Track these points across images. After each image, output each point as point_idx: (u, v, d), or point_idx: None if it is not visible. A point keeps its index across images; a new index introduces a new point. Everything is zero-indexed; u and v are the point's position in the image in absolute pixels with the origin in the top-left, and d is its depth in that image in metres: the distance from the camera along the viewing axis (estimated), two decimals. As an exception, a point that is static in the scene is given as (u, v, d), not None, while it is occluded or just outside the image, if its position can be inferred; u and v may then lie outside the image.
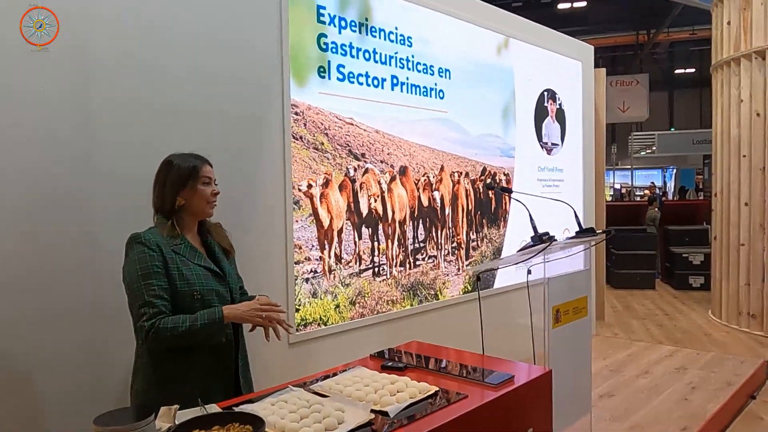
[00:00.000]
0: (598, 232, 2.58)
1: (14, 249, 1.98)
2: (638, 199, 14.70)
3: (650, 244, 8.13)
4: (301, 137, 2.88)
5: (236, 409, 1.57)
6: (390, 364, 2.04)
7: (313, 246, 2.94)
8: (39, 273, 2.03)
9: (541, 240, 2.24)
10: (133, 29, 2.25)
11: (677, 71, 20.23)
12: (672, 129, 19.33)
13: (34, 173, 2.02)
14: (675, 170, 19.20)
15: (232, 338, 1.88)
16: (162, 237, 1.77)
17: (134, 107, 2.25)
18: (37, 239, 2.03)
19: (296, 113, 2.86)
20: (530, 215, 2.31)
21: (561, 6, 14.39)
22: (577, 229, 2.59)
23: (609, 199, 14.05)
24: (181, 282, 1.75)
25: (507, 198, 4.24)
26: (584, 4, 14.33)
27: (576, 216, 2.60)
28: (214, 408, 1.56)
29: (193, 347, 1.75)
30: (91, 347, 2.14)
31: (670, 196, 16.05)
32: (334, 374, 1.96)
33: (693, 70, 19.59)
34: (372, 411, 1.59)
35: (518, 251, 2.42)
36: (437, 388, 1.77)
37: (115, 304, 1.92)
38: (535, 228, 2.30)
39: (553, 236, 2.29)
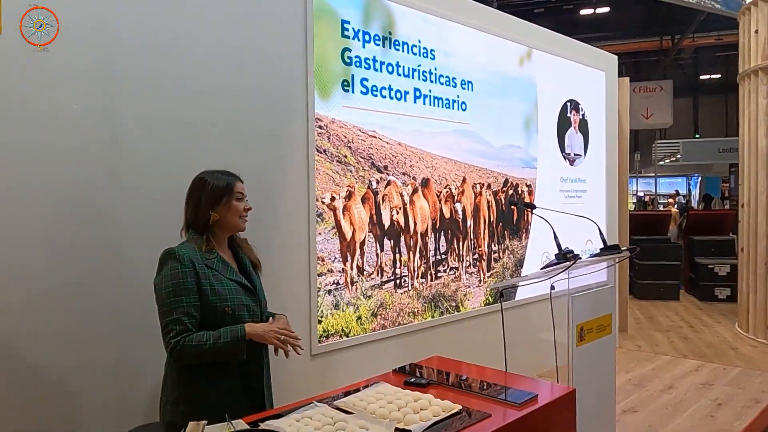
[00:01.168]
0: (622, 249, 2.56)
1: (46, 264, 2.03)
2: (662, 207, 14.47)
3: (674, 255, 8.00)
4: (324, 150, 2.91)
5: (262, 426, 1.59)
6: (413, 380, 2.05)
7: (335, 258, 2.96)
8: (71, 288, 2.08)
9: (566, 258, 2.23)
10: (160, 47, 2.30)
11: (702, 77, 19.92)
12: (697, 136, 19.02)
13: (64, 191, 2.07)
14: (700, 178, 18.88)
15: (261, 354, 1.92)
16: (195, 251, 1.82)
17: (161, 123, 2.30)
18: (69, 255, 2.08)
19: (320, 127, 2.89)
20: (554, 233, 2.30)
21: (583, 12, 14.29)
22: (601, 245, 2.56)
23: (632, 207, 13.87)
24: (213, 297, 1.80)
25: (528, 210, 4.22)
26: (607, 9, 14.22)
27: (600, 233, 2.58)
28: (241, 424, 1.58)
29: (221, 362, 1.79)
30: (121, 361, 2.18)
31: (694, 205, 15.77)
32: (357, 390, 1.97)
33: (719, 75, 19.27)
34: (396, 429, 1.60)
35: (542, 268, 2.41)
36: (460, 407, 1.78)
37: (145, 319, 1.96)
38: (559, 245, 2.29)
39: (577, 255, 2.28)
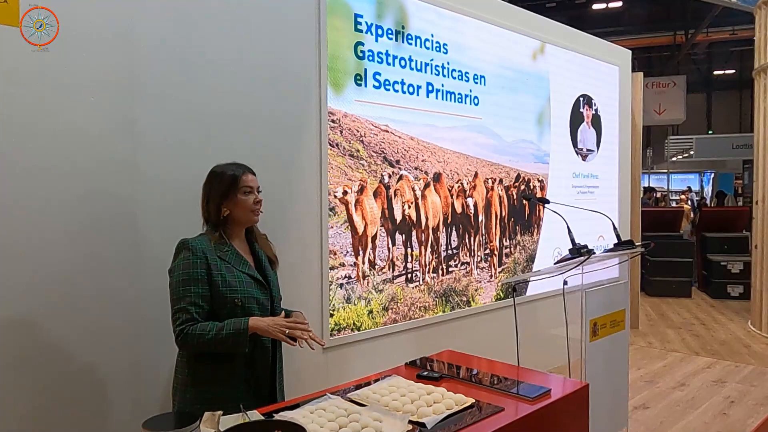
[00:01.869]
0: (636, 244, 2.55)
1: (67, 266, 2.05)
2: (674, 204, 14.34)
3: (686, 252, 7.94)
4: (337, 144, 2.92)
5: (276, 417, 1.61)
6: (425, 373, 2.05)
7: (347, 252, 2.97)
8: (92, 289, 2.09)
9: (579, 253, 2.23)
10: (177, 38, 2.31)
11: (716, 72, 19.69)
12: (710, 132, 18.82)
13: (83, 190, 2.08)
14: (713, 174, 18.69)
15: (269, 346, 1.93)
16: (209, 243, 1.85)
17: (177, 116, 2.31)
18: (89, 256, 2.09)
19: (333, 121, 2.90)
20: (568, 227, 2.29)
21: (596, 6, 14.17)
22: (615, 240, 2.55)
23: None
24: (224, 288, 1.82)
25: (540, 205, 4.20)
26: (620, 4, 14.09)
27: (614, 228, 2.56)
28: (255, 415, 1.59)
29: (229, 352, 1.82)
30: (140, 357, 2.21)
31: (708, 201, 15.62)
32: (370, 383, 1.98)
33: (733, 71, 19.04)
34: (409, 422, 1.60)
35: (555, 263, 2.40)
36: (473, 400, 1.78)
37: (165, 317, 1.98)
38: (573, 240, 2.28)
39: (592, 249, 2.27)
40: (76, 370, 2.08)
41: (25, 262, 1.95)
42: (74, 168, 2.06)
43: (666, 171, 16.90)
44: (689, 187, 16.99)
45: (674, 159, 16.90)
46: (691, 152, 16.16)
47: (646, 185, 14.38)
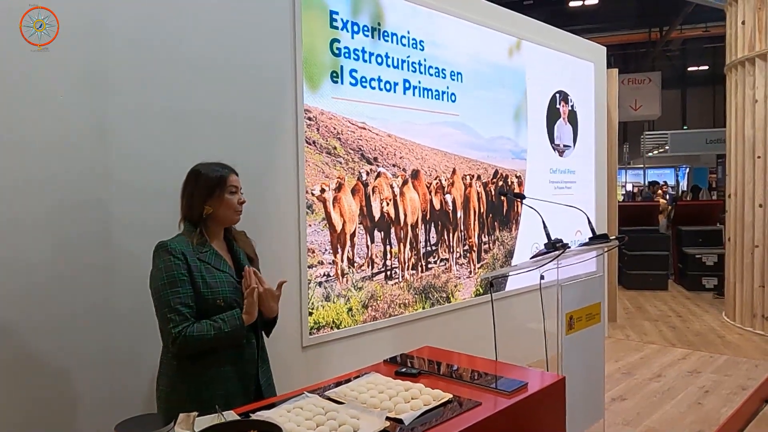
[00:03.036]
0: (611, 238, 2.58)
1: (39, 256, 2.02)
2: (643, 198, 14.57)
3: (663, 245, 8.08)
4: (314, 142, 2.90)
5: (253, 416, 1.59)
6: (404, 370, 2.05)
7: (326, 250, 2.96)
8: (62, 279, 2.07)
9: (555, 247, 2.25)
10: (147, 37, 2.27)
11: (690, 69, 20.03)
12: (685, 128, 19.15)
13: (56, 182, 2.05)
14: (688, 169, 19.04)
15: (255, 342, 1.94)
16: (188, 244, 1.83)
17: (148, 115, 2.28)
18: (61, 247, 2.06)
19: (309, 118, 2.88)
20: (544, 223, 2.31)
21: (572, 4, 14.30)
22: (590, 234, 2.58)
23: (621, 199, 13.95)
24: (205, 289, 1.81)
25: (518, 201, 4.23)
26: (595, 1, 14.23)
27: (589, 222, 2.59)
28: (231, 415, 1.58)
29: (217, 351, 1.82)
30: (116, 351, 2.18)
31: (681, 195, 15.90)
32: (349, 380, 1.98)
33: (706, 67, 19.38)
34: (387, 418, 1.60)
35: (531, 258, 2.42)
36: (451, 396, 1.78)
37: (137, 309, 1.96)
38: (548, 235, 2.30)
39: (567, 244, 2.29)
40: (52, 379, 2.04)
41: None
42: (54, 159, 2.04)
43: (642, 166, 17.17)
44: (665, 182, 17.27)
45: (650, 154, 17.18)
46: (667, 147, 16.45)
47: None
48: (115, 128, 2.19)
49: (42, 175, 2.03)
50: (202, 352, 1.79)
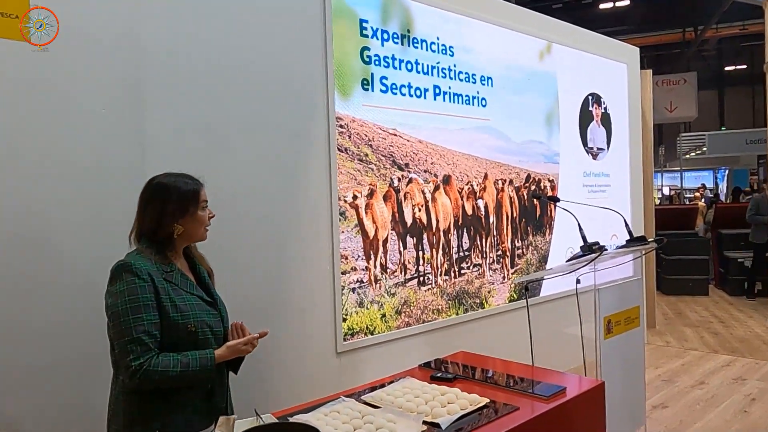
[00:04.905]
0: (649, 240, 2.52)
1: (81, 267, 2.07)
2: (687, 202, 14.18)
3: (702, 249, 7.85)
4: (346, 149, 2.93)
5: (291, 420, 1.61)
6: (439, 374, 2.05)
7: (359, 256, 2.98)
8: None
9: (591, 250, 2.21)
10: (182, 50, 2.33)
11: (727, 68, 19.50)
12: (723, 128, 18.62)
13: (96, 194, 2.11)
14: (727, 171, 18.48)
15: (224, 373, 1.78)
16: (153, 264, 1.63)
17: (184, 125, 2.33)
18: (100, 259, 2.11)
19: (341, 126, 2.91)
20: (579, 225, 2.28)
21: (603, 6, 14.11)
22: (627, 237, 2.53)
23: (657, 203, 13.64)
24: (175, 314, 1.62)
25: (552, 205, 4.18)
26: (627, 2, 14.01)
27: (626, 224, 2.55)
28: (270, 418, 1.60)
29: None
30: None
31: (723, 198, 15.43)
32: (384, 385, 1.98)
33: (744, 66, 18.84)
34: (424, 422, 1.60)
35: (567, 261, 2.39)
36: (488, 400, 1.77)
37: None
38: (584, 238, 2.27)
39: (604, 246, 2.25)
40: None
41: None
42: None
43: (679, 168, 16.74)
44: (703, 185, 16.81)
45: (687, 156, 16.74)
46: (704, 149, 16.01)
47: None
48: (153, 139, 2.24)
49: (83, 187, 2.07)
50: (167, 388, 1.60)
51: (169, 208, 1.66)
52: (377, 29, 3.10)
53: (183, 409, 1.63)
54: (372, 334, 3.02)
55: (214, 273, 1.88)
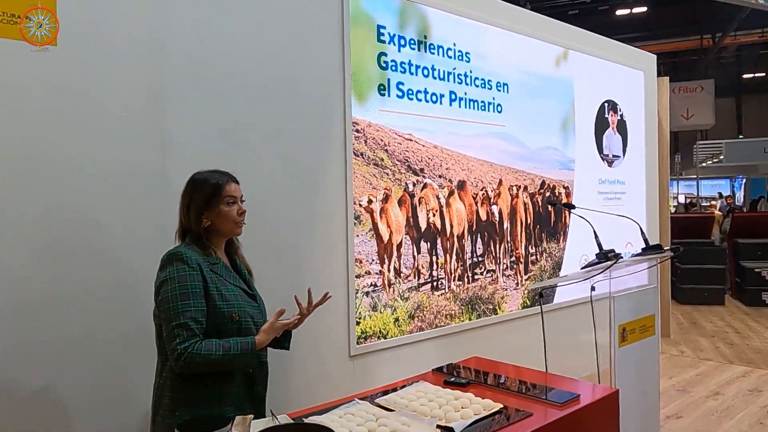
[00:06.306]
0: (665, 249, 2.51)
1: (99, 271, 2.11)
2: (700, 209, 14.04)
3: (718, 258, 7.76)
4: (361, 154, 2.95)
5: (306, 421, 1.63)
6: (452, 379, 2.05)
7: (373, 260, 2.99)
8: (134, 293, 2.10)
9: (607, 257, 2.21)
10: (203, 56, 2.37)
11: (745, 76, 19.28)
12: (741, 136, 18.40)
13: (119, 195, 2.15)
14: (744, 179, 18.24)
15: (266, 360, 1.85)
16: (200, 255, 1.72)
17: (205, 129, 2.37)
18: (123, 261, 2.16)
19: (357, 130, 2.93)
20: (595, 232, 2.28)
21: (619, 12, 14.03)
22: (643, 245, 2.52)
23: (672, 211, 13.52)
24: (221, 302, 1.69)
25: (566, 212, 4.17)
26: (644, 9, 13.93)
27: (642, 232, 2.54)
28: (285, 419, 1.62)
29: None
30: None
31: (740, 206, 15.24)
32: (396, 388, 1.99)
33: (763, 74, 18.63)
34: (437, 426, 1.61)
35: (582, 268, 2.38)
36: (501, 405, 1.78)
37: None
38: (600, 245, 2.26)
39: (619, 254, 2.25)
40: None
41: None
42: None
43: (695, 177, 16.56)
44: (720, 193, 16.62)
45: (704, 164, 16.56)
46: (721, 157, 15.83)
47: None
48: (175, 142, 2.28)
49: (104, 189, 2.11)
50: (211, 374, 1.67)
51: (195, 201, 1.75)
52: (394, 35, 3.12)
53: (226, 397, 1.70)
54: (385, 338, 3.04)
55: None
